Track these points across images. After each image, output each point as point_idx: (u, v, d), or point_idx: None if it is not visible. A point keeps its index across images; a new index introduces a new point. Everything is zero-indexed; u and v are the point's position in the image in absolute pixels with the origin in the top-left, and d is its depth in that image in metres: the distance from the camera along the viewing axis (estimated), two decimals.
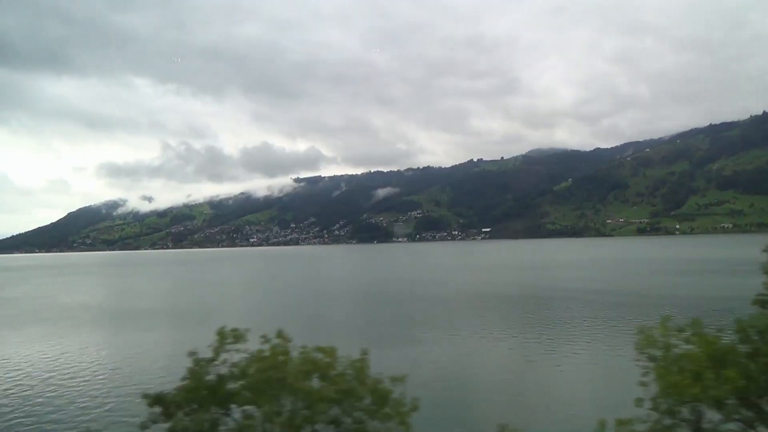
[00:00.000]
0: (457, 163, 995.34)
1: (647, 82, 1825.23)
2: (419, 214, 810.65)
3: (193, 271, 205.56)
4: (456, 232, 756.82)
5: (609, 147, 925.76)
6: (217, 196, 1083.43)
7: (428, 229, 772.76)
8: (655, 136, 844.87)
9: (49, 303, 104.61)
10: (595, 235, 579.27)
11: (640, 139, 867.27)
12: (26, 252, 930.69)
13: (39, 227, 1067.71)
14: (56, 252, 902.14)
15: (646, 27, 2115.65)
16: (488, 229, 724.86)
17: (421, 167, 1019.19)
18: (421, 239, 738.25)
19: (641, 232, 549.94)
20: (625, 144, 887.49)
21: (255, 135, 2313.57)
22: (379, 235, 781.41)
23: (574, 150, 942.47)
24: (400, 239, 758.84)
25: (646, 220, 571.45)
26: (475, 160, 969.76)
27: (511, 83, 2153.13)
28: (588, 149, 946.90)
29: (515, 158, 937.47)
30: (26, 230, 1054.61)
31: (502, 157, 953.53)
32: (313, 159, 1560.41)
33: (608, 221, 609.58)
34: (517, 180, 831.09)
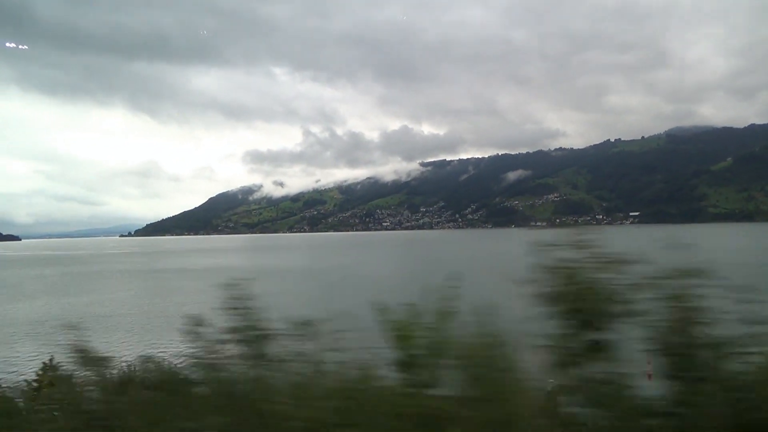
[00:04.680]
0: (592, 144, 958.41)
1: None
2: (556, 197, 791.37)
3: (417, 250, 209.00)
4: (600, 216, 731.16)
5: (766, 123, 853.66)
6: (345, 180, 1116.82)
7: (568, 213, 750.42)
8: None
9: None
10: None
11: None
12: (176, 234, 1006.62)
13: (184, 212, 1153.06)
14: (203, 234, 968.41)
15: None
16: (637, 213, 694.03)
17: (552, 149, 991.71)
18: (562, 224, 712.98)
19: None
20: None
21: (381, 119, 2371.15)
22: (516, 219, 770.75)
23: (725, 127, 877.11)
24: (539, 223, 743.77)
25: None
26: (612, 140, 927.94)
27: (660, 55, 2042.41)
28: (741, 126, 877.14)
29: (657, 137, 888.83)
30: (173, 214, 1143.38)
31: (643, 137, 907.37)
32: (452, 143, 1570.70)
33: None
34: (663, 160, 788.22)
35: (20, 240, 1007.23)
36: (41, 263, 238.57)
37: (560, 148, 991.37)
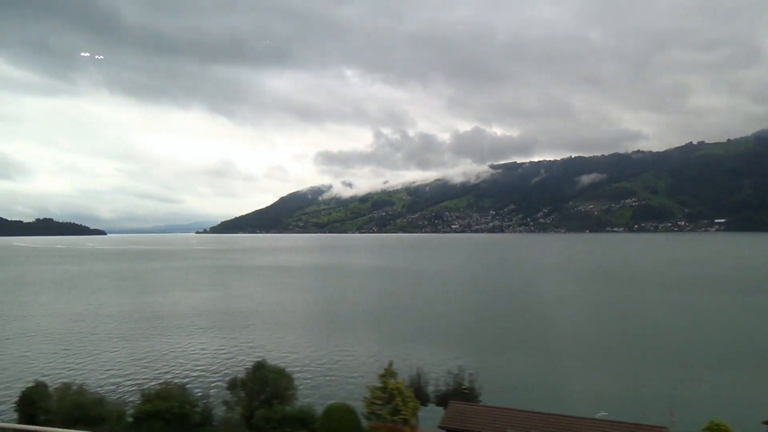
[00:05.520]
0: (673, 147, 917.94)
1: None
2: (635, 202, 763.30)
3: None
4: (682, 223, 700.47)
5: None
6: (414, 182, 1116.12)
7: (647, 218, 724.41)
8: None
9: None
10: None
11: None
12: (249, 232, 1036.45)
13: (256, 210, 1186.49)
14: (275, 233, 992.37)
15: None
16: (723, 221, 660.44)
17: (629, 152, 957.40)
18: (640, 230, 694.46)
19: None
20: None
21: (451, 120, 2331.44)
22: (591, 224, 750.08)
23: None
24: (615, 229, 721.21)
25: None
26: (694, 142, 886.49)
27: (749, 52, 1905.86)
28: None
29: (745, 139, 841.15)
30: (246, 213, 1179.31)
31: (729, 139, 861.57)
32: (525, 145, 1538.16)
33: None
34: (752, 164, 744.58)
35: (106, 234, 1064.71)
36: (141, 257, 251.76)
37: (638, 150, 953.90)
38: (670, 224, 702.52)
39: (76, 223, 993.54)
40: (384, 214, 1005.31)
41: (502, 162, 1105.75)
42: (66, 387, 26.63)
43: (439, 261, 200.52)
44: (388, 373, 23.80)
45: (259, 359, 28.81)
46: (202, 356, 51.75)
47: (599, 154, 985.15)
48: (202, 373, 44.81)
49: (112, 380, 43.19)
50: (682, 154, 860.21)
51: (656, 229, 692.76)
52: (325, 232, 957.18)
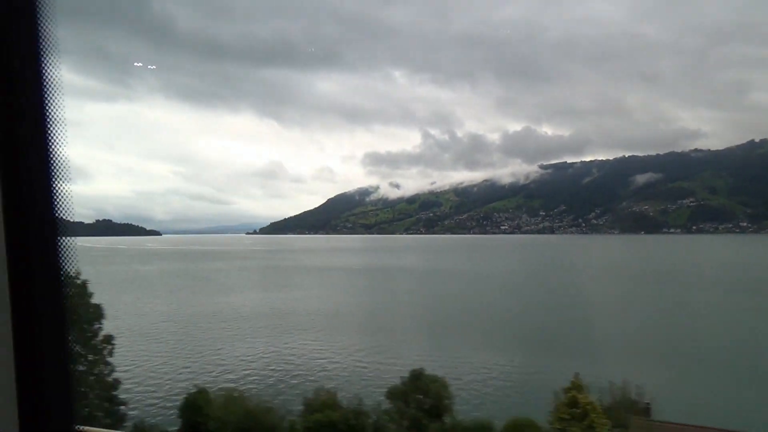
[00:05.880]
0: (733, 145, 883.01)
1: None
2: (692, 202, 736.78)
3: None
4: (744, 224, 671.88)
5: None
6: (462, 183, 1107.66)
7: (706, 219, 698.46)
8: None
9: None
10: None
11: None
12: (298, 233, 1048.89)
13: (304, 212, 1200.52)
14: (323, 234, 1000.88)
15: None
16: None
17: (687, 150, 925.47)
18: (699, 231, 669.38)
19: None
20: None
21: (501, 120, 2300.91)
22: (646, 225, 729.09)
23: None
24: (672, 230, 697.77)
25: None
26: (757, 140, 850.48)
27: None
28: None
29: None
30: (294, 214, 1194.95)
31: None
32: (577, 144, 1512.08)
33: None
34: None
35: (161, 235, 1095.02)
36: (203, 257, 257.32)
37: (697, 149, 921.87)
38: (731, 225, 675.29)
39: (133, 224, 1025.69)
40: (432, 215, 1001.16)
41: (552, 162, 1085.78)
42: (229, 393, 26.23)
43: (511, 262, 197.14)
44: (576, 386, 22.33)
45: (416, 368, 27.79)
46: (322, 360, 51.33)
47: (654, 153, 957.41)
48: (333, 379, 44.12)
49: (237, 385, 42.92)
50: (744, 153, 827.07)
51: (716, 231, 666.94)
52: (372, 234, 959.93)
